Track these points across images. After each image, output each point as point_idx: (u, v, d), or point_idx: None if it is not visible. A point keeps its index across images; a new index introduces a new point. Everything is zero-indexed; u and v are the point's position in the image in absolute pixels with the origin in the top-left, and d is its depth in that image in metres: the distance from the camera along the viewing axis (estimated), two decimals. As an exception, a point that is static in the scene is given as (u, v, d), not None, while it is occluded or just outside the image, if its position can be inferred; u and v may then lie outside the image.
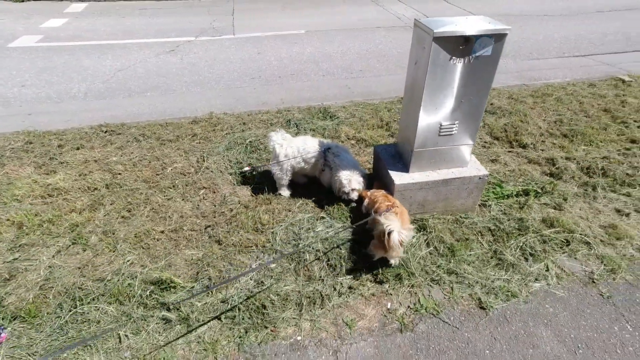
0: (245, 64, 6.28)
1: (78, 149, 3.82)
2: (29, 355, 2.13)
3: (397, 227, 2.34)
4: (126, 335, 2.25)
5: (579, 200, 3.29)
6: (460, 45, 2.23)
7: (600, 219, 3.11)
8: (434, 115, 2.58)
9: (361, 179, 3.03)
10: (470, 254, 2.79)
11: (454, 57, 2.28)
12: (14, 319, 2.27)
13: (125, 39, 7.19)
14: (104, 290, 2.44)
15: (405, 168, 2.91)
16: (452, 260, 2.74)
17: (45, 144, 3.85)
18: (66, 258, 2.65)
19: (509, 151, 3.93)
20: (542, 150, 3.92)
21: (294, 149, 3.08)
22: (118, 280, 2.48)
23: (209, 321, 2.32)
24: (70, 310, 2.32)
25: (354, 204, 3.12)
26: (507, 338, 2.32)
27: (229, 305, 2.39)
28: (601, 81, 5.45)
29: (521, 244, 2.85)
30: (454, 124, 2.65)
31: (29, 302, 2.34)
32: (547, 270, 2.71)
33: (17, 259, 2.62)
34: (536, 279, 2.66)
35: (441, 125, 2.64)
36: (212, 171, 3.51)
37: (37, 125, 4.29)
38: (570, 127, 4.25)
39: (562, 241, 2.90)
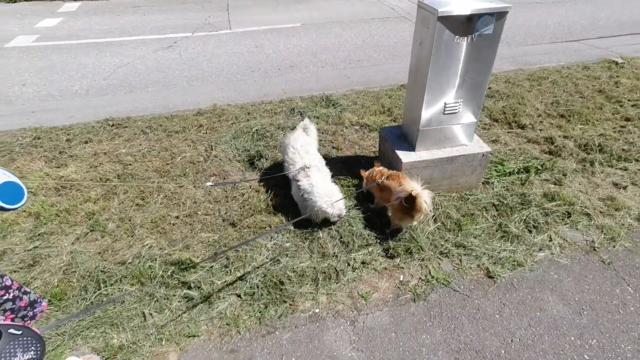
0: (244, 58, 6.33)
1: (86, 142, 3.87)
2: (57, 335, 2.21)
3: (419, 187, 2.43)
4: (150, 314, 2.32)
5: (578, 176, 3.41)
6: (463, 23, 2.32)
7: (599, 192, 3.23)
8: (439, 94, 2.67)
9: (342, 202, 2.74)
10: (477, 228, 2.90)
11: (457, 36, 2.37)
12: (41, 302, 2.33)
13: (121, 36, 7.20)
14: (125, 272, 2.51)
15: (411, 147, 3.00)
16: (459, 235, 2.85)
17: (53, 139, 3.90)
18: (86, 244, 2.72)
19: (509, 132, 4.04)
20: (541, 130, 4.04)
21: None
22: (139, 263, 2.56)
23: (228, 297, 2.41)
24: (94, 292, 2.40)
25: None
26: (515, 303, 2.44)
27: (247, 283, 2.47)
28: (595, 64, 5.58)
29: (524, 217, 2.96)
30: (458, 102, 2.75)
31: (54, 286, 2.41)
32: (550, 240, 2.82)
33: (37, 246, 2.68)
34: (540, 249, 2.78)
35: (446, 104, 2.74)
36: (220, 159, 3.58)
37: (42, 122, 4.33)
38: (566, 108, 4.37)
39: (564, 213, 3.02)
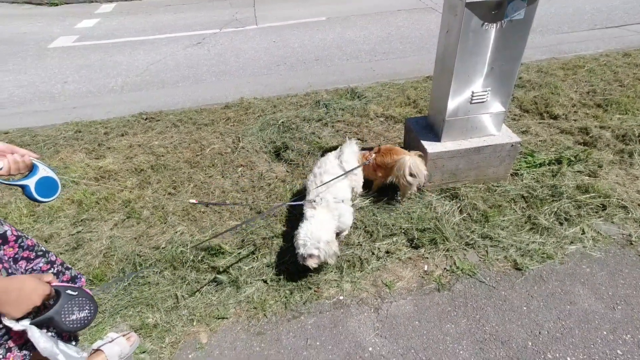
0: (270, 52, 6.43)
1: (122, 135, 4.08)
2: (99, 312, 2.37)
3: (409, 157, 2.68)
4: (182, 296, 2.45)
5: (615, 167, 3.26)
6: (493, 10, 2.27)
7: (637, 185, 3.08)
8: (466, 83, 2.63)
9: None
10: (504, 220, 2.85)
11: (486, 23, 2.32)
12: (84, 282, 2.51)
13: (153, 34, 7.48)
14: (159, 256, 2.65)
15: (437, 138, 2.98)
16: (485, 226, 2.80)
17: (92, 132, 4.14)
18: (123, 230, 2.89)
19: (540, 122, 3.90)
20: (575, 120, 3.88)
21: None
22: (172, 248, 2.69)
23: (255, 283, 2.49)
24: (132, 274, 2.55)
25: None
26: (544, 296, 2.38)
27: (273, 269, 2.55)
28: (637, 50, 5.27)
29: (555, 209, 2.88)
30: (486, 91, 2.69)
31: (96, 267, 2.58)
32: (583, 233, 2.73)
33: (80, 231, 2.88)
34: (572, 242, 2.69)
35: (473, 92, 2.69)
36: (247, 150, 3.68)
37: (82, 116, 4.59)
38: (604, 97, 4.16)
39: (598, 206, 2.90)
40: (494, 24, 2.34)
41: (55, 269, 1.77)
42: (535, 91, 4.41)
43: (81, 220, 2.98)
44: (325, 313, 2.35)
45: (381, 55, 6.10)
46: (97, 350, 2.03)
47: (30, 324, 1.23)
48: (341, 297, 2.43)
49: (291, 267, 2.55)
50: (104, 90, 5.46)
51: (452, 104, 2.74)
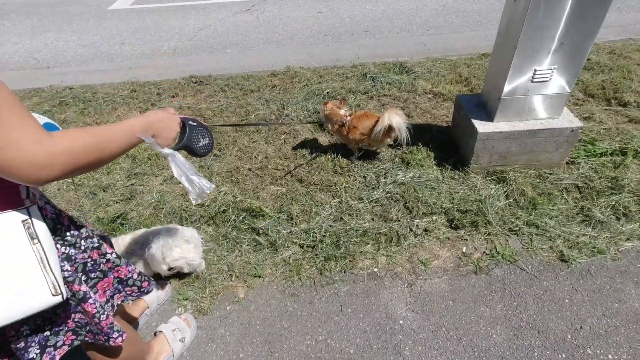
0: (317, 22, 6.30)
1: (173, 97, 4.24)
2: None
3: (388, 116, 2.79)
4: (223, 254, 2.57)
5: (690, 163, 2.96)
6: (571, -24, 2.06)
7: None
8: (530, 59, 2.45)
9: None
10: (553, 209, 2.70)
11: (561, -9, 2.12)
12: (136, 230, 2.71)
13: (205, 0, 7.55)
14: (204, 213, 2.79)
15: (489, 117, 2.83)
16: (532, 213, 2.67)
17: (146, 92, 4.33)
18: (171, 186, 3.05)
19: (606, 109, 3.58)
20: (648, 109, 3.52)
21: None
22: (215, 206, 2.81)
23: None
24: (178, 227, 2.71)
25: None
26: (590, 291, 2.27)
27: (310, 236, 2.61)
28: None
29: (613, 203, 2.68)
30: (551, 70, 2.50)
31: (146, 218, 2.77)
32: (643, 230, 2.53)
33: (133, 184, 3.08)
34: (628, 239, 2.51)
35: (536, 70, 2.50)
36: (292, 118, 3.71)
37: (137, 77, 4.80)
38: (685, 85, 3.73)
39: (664, 203, 2.67)
40: (571, -7, 2.13)
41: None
42: (605, 74, 4.03)
43: (134, 173, 3.18)
44: (359, 283, 2.39)
45: (434, 30, 5.79)
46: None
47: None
48: (375, 269, 2.46)
49: (329, 236, 2.59)
50: (157, 52, 5.65)
51: (511, 81, 2.57)
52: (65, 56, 5.65)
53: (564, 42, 2.35)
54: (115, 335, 1.41)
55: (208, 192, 1.47)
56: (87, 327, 1.38)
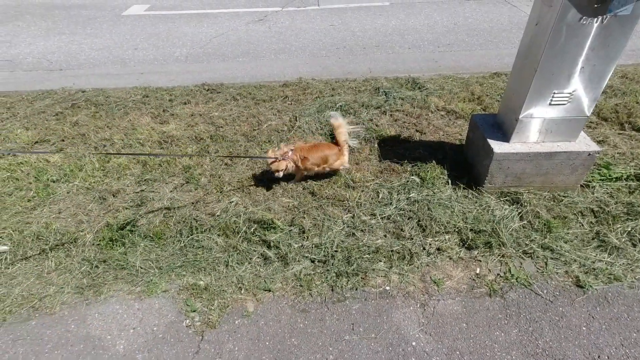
0: (329, 34, 6.35)
1: (185, 103, 4.24)
2: (155, 268, 2.52)
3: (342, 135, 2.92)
4: (232, 265, 2.53)
5: None
6: (596, 2, 2.07)
7: None
8: (549, 82, 2.44)
9: None
10: (568, 233, 2.66)
11: (584, 17, 2.12)
12: (145, 238, 2.67)
13: (218, 8, 7.65)
14: (214, 223, 2.76)
15: (505, 138, 2.81)
16: (547, 236, 2.64)
17: (158, 98, 4.34)
18: (182, 194, 3.03)
19: (620, 133, 3.57)
20: (662, 135, 3.51)
21: None
22: (226, 216, 2.78)
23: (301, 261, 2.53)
24: (188, 236, 2.67)
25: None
26: (607, 319, 2.22)
27: (322, 251, 2.57)
28: None
29: (629, 229, 2.64)
30: (570, 93, 2.49)
31: (156, 226, 2.73)
32: (660, 258, 2.49)
33: (144, 190, 3.05)
34: (645, 266, 2.47)
35: (554, 93, 2.50)
36: (304, 130, 3.70)
37: (149, 82, 4.82)
38: (699, 112, 3.72)
39: (681, 231, 2.63)
40: (594, 19, 2.13)
41: None
42: (618, 98, 4.03)
43: (145, 179, 3.16)
44: (371, 301, 2.34)
45: (445, 47, 5.83)
46: None
47: None
48: (387, 288, 2.41)
49: (340, 251, 2.55)
50: (169, 58, 5.69)
51: (529, 103, 2.56)
52: (78, 59, 5.68)
53: (585, 66, 2.35)
54: None
55: None
56: None
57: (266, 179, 3.14)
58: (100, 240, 2.65)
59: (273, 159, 2.84)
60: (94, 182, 3.15)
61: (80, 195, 3.05)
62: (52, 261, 2.54)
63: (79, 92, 4.51)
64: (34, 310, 2.30)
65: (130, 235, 2.67)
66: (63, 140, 3.66)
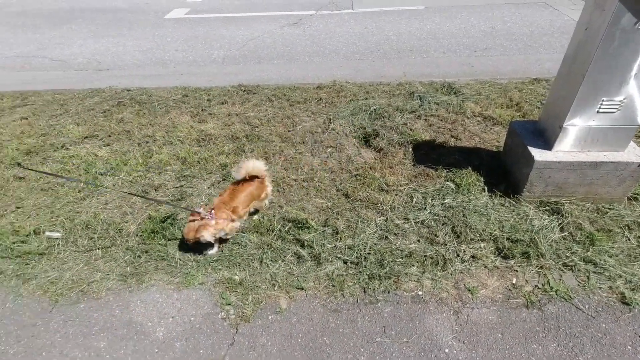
0: (363, 38, 6.37)
1: (222, 103, 4.39)
2: (193, 261, 2.62)
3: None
4: (266, 262, 2.59)
5: None
6: (654, 7, 1.98)
7: None
8: (598, 89, 2.35)
9: None
10: (614, 247, 2.55)
11: (640, 22, 2.04)
12: (184, 231, 2.78)
13: (254, 12, 7.84)
14: (249, 221, 2.83)
15: (546, 145, 2.73)
16: (590, 249, 2.54)
17: (197, 98, 4.51)
18: (219, 190, 3.13)
19: (672, 144, 3.38)
20: None
21: None
22: (260, 215, 2.85)
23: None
24: (224, 232, 2.76)
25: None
26: (656, 339, 2.11)
27: (354, 252, 2.59)
28: None
29: (681, 246, 2.50)
30: (621, 101, 2.39)
31: (195, 220, 2.84)
32: None
33: (183, 185, 3.19)
34: (698, 287, 2.33)
35: (603, 100, 2.40)
36: (337, 133, 3.73)
37: (188, 83, 5.01)
38: None
39: None
40: (651, 25, 2.05)
41: None
42: (670, 108, 3.81)
43: (184, 175, 3.29)
44: (403, 305, 2.34)
45: (482, 51, 5.71)
46: None
47: None
48: (420, 293, 2.40)
49: (373, 254, 2.56)
50: (207, 60, 5.89)
51: (575, 110, 2.48)
52: (123, 60, 6.00)
53: (638, 73, 2.25)
54: None
55: None
56: None
57: (300, 180, 3.20)
58: (142, 232, 2.78)
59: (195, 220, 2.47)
60: (137, 176, 3.32)
61: (125, 188, 3.21)
62: (99, 249, 2.70)
63: (124, 91, 4.76)
64: (82, 294, 2.45)
65: (170, 228, 2.79)
66: (110, 136, 3.87)
